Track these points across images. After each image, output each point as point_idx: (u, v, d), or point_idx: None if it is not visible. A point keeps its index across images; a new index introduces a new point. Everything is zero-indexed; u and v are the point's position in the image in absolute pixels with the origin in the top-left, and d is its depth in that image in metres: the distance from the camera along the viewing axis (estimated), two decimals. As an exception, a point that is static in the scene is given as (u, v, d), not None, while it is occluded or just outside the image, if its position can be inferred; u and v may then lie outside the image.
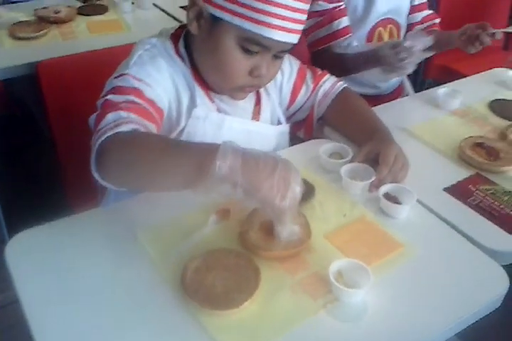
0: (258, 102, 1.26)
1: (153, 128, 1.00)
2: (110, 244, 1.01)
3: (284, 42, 1.04)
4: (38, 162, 2.01)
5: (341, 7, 1.64)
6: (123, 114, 0.95)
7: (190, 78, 1.13)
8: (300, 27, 1.05)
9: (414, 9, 1.77)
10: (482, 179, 1.21)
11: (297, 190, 0.83)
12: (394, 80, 1.82)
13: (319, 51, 1.68)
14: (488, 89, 1.62)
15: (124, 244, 1.01)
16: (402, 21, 1.75)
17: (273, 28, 1.00)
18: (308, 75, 1.33)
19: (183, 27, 1.17)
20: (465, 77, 1.70)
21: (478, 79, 1.65)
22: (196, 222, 1.04)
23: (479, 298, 0.94)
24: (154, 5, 2.25)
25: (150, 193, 1.12)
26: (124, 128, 0.91)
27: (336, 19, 1.64)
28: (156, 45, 1.13)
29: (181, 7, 2.23)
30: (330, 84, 1.34)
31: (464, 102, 1.50)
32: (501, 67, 2.49)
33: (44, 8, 2.11)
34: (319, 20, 1.64)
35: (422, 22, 1.78)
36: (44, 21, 2.03)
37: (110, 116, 0.94)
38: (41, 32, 1.95)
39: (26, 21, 2.03)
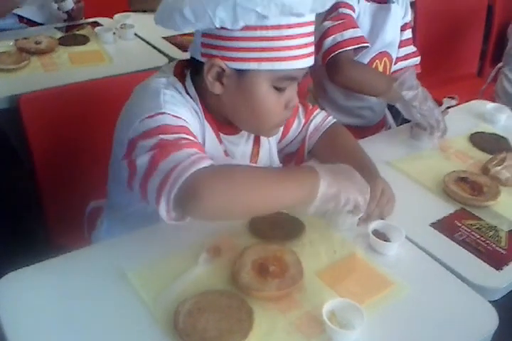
0: (257, 143, 1.26)
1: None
2: (100, 285, 1.00)
3: (307, 67, 1.07)
4: (18, 193, 1.98)
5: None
6: (190, 150, 0.94)
7: (203, 118, 1.12)
8: (314, 46, 1.08)
9: (401, 43, 1.80)
10: (467, 214, 1.23)
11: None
12: (378, 112, 1.85)
13: (339, 55, 1.58)
14: (468, 122, 1.66)
15: (115, 285, 0.99)
16: (394, 55, 1.79)
17: (299, 58, 1.02)
18: (300, 109, 1.35)
19: (181, 64, 1.15)
20: (439, 104, 1.71)
21: (458, 112, 1.69)
22: (187, 261, 1.03)
23: (470, 335, 0.95)
24: (136, 35, 2.26)
25: (141, 231, 1.12)
26: (204, 164, 0.91)
27: (357, 26, 1.61)
28: (169, 85, 1.10)
29: (164, 38, 2.24)
30: (320, 118, 1.36)
31: (445, 136, 1.53)
32: (475, 94, 2.58)
33: (25, 38, 2.09)
34: (341, 23, 1.59)
35: (405, 58, 1.82)
36: (25, 52, 2.02)
37: (179, 154, 0.92)
38: (22, 63, 1.93)
39: (6, 52, 2.01)
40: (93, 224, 1.42)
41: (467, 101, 1.83)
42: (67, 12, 2.32)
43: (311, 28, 1.04)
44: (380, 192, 1.14)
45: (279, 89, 1.06)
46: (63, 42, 2.14)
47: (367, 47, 1.61)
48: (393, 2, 1.70)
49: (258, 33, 0.98)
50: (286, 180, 0.96)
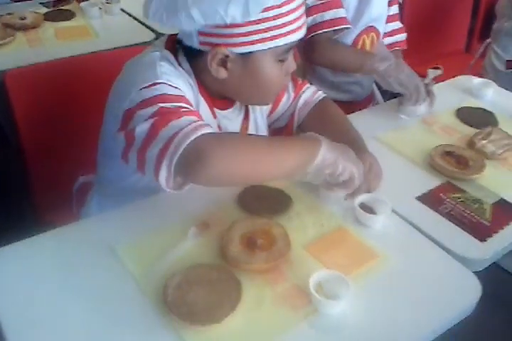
0: (246, 118, 1.27)
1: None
2: (89, 260, 1.01)
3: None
4: (5, 171, 1.97)
5: None
6: (190, 118, 0.94)
7: (197, 92, 1.12)
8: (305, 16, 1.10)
9: (387, 19, 1.80)
10: (452, 187, 1.24)
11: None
12: (366, 87, 1.85)
13: (317, 36, 1.61)
14: (455, 96, 1.66)
15: (104, 259, 1.01)
16: (382, 29, 1.78)
17: (296, 30, 1.05)
18: (290, 84, 1.35)
19: (172, 38, 1.13)
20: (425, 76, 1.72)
21: (444, 87, 1.69)
22: (176, 235, 1.04)
23: (453, 305, 0.97)
24: (122, 10, 2.23)
25: (130, 206, 1.13)
26: (205, 130, 0.91)
27: (340, 6, 1.61)
28: (163, 58, 1.09)
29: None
30: (310, 93, 1.37)
31: (432, 110, 1.54)
32: (463, 70, 2.58)
33: (9, 14, 2.06)
34: (324, 2, 1.59)
35: (391, 34, 1.82)
36: (9, 28, 1.99)
37: (179, 121, 0.92)
38: (7, 39, 1.91)
39: (-10, 28, 1.99)
40: (82, 199, 1.42)
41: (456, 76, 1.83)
42: None
43: (300, 1, 1.05)
44: (368, 166, 1.15)
45: (282, 61, 1.09)
46: (49, 17, 2.12)
47: (348, 28, 1.61)
48: None
49: (260, 15, 0.99)
50: (289, 144, 0.99)
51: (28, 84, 1.58)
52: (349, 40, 1.69)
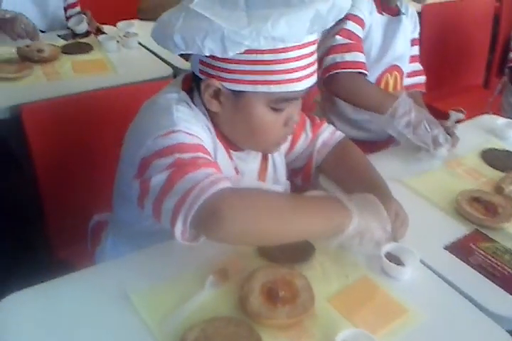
0: (265, 159, 1.24)
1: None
2: (103, 307, 0.97)
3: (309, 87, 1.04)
4: (20, 205, 1.94)
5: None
6: (208, 170, 0.91)
7: (214, 134, 1.09)
8: (316, 65, 1.04)
9: (409, 59, 1.79)
10: (482, 236, 1.19)
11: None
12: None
13: (336, 74, 1.59)
14: (479, 137, 1.62)
15: (118, 308, 0.96)
16: (405, 69, 1.77)
17: (298, 80, 0.99)
18: (308, 123, 1.32)
19: (189, 78, 1.11)
20: (445, 115, 1.68)
21: (467, 127, 1.65)
22: (193, 284, 1.00)
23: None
24: (140, 44, 2.22)
25: (146, 251, 1.09)
26: (223, 185, 0.88)
27: (361, 51, 1.59)
28: (180, 101, 1.06)
29: (168, 47, 2.21)
30: (328, 133, 1.33)
31: (456, 152, 1.50)
32: (481, 105, 2.55)
33: (27, 46, 2.05)
34: (346, 44, 1.57)
35: (411, 75, 1.80)
36: (27, 60, 1.98)
37: (196, 174, 0.89)
38: (24, 72, 1.90)
39: (8, 60, 1.97)
40: (97, 238, 1.38)
41: (474, 113, 1.79)
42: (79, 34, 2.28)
43: (311, 49, 1.01)
44: (394, 214, 1.11)
45: (277, 110, 1.03)
46: (66, 50, 2.11)
47: (365, 74, 1.59)
48: (404, 14, 1.68)
49: (253, 57, 0.95)
50: (314, 213, 0.95)
51: (44, 118, 1.57)
52: (372, 78, 1.67)
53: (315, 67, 1.03)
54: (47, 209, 1.62)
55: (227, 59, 0.96)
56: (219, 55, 0.95)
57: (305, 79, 1.00)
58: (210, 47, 0.93)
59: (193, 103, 1.08)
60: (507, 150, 1.55)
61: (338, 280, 1.04)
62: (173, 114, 1.02)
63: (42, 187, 1.60)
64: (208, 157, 0.98)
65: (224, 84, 0.99)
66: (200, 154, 0.96)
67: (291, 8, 0.92)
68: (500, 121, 1.68)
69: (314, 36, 1.00)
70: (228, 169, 1.13)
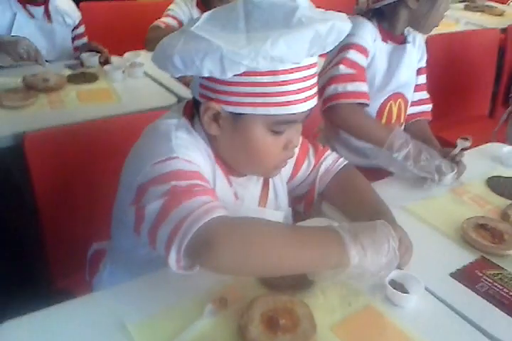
0: (266, 185, 1.22)
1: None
2: (99, 337, 0.94)
3: (309, 110, 1.03)
4: (19, 234, 1.93)
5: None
6: (203, 198, 0.90)
7: (214, 160, 1.08)
8: (317, 88, 1.03)
9: (415, 88, 1.79)
10: (488, 263, 1.16)
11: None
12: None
13: (340, 104, 1.58)
14: (484, 165, 1.60)
15: (115, 337, 0.93)
16: (409, 97, 1.77)
17: (297, 103, 0.98)
18: (311, 150, 1.31)
19: (190, 104, 1.11)
20: (451, 145, 1.67)
21: (473, 155, 1.63)
22: (191, 313, 0.97)
23: None
24: (145, 74, 2.24)
25: (143, 279, 1.06)
26: (217, 213, 0.87)
27: (363, 81, 1.59)
28: (180, 127, 1.06)
29: (173, 77, 2.22)
30: (331, 160, 1.32)
31: (462, 180, 1.48)
32: (487, 135, 2.54)
33: (33, 75, 2.08)
34: (349, 74, 1.57)
35: (418, 103, 1.81)
36: (32, 89, 2.00)
37: (191, 203, 0.89)
38: (29, 101, 1.91)
39: (14, 89, 1.99)
40: (95, 266, 1.36)
41: (480, 143, 1.78)
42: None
43: (311, 71, 1.00)
44: (398, 241, 1.08)
45: (277, 133, 1.02)
46: (72, 79, 2.13)
47: (367, 104, 1.59)
48: (409, 42, 1.69)
49: (252, 79, 0.95)
50: (309, 246, 0.91)
51: (47, 147, 1.56)
52: (376, 105, 1.67)
53: (315, 89, 1.03)
54: (47, 238, 1.60)
55: (227, 81, 0.96)
56: (218, 76, 0.94)
57: (304, 102, 0.99)
58: (208, 68, 0.93)
59: (194, 128, 1.07)
60: (513, 178, 1.53)
61: (341, 308, 1.01)
62: (171, 140, 1.01)
63: (42, 216, 1.58)
64: (205, 184, 0.96)
65: (223, 106, 0.99)
66: (197, 181, 0.95)
67: (291, 29, 0.92)
68: (506, 149, 1.67)
69: (314, 59, 1.00)
70: (227, 195, 1.11)
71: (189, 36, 0.95)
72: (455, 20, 3.48)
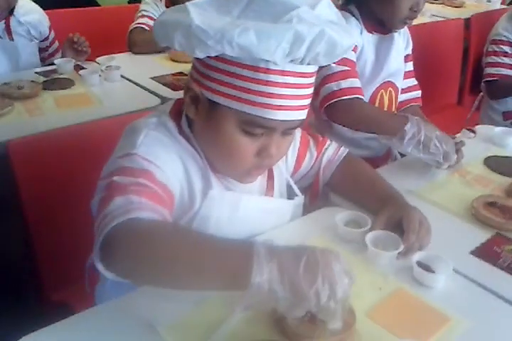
0: (271, 176, 1.19)
1: (166, 214, 0.90)
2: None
3: (291, 121, 0.96)
4: (9, 248, 1.84)
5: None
6: (134, 198, 0.85)
7: (200, 159, 1.04)
8: (307, 101, 0.97)
9: (404, 75, 1.79)
10: (504, 239, 1.17)
11: (345, 283, 0.77)
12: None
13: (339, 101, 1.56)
14: (479, 146, 1.62)
15: (145, 341, 0.88)
16: (399, 84, 1.77)
17: (276, 109, 0.92)
18: (311, 142, 1.29)
19: (180, 102, 1.07)
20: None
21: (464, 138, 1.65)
22: (221, 309, 0.92)
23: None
24: (122, 77, 2.19)
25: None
26: (136, 215, 0.82)
27: (356, 77, 1.57)
28: (159, 125, 1.02)
29: (152, 78, 2.18)
30: (333, 149, 1.31)
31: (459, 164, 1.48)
32: (458, 122, 2.59)
33: (5, 83, 2.00)
34: (342, 71, 1.54)
35: (408, 90, 1.82)
36: (7, 98, 1.92)
37: (119, 200, 0.85)
38: (5, 110, 1.83)
39: (-13, 99, 1.91)
40: (95, 277, 1.30)
41: (452, 130, 1.74)
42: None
43: (300, 80, 0.93)
44: (418, 223, 1.08)
45: (249, 134, 0.96)
46: (47, 86, 2.06)
47: (361, 99, 1.57)
48: (395, 31, 1.69)
49: (232, 69, 0.91)
50: (207, 268, 0.78)
51: (32, 154, 1.50)
52: (367, 94, 1.66)
53: (303, 102, 0.96)
54: (37, 249, 1.54)
55: (210, 65, 0.93)
56: (189, 53, 0.92)
57: (286, 110, 0.93)
58: (179, 41, 0.90)
59: (178, 126, 1.04)
60: (508, 157, 1.55)
61: (372, 293, 0.99)
62: (139, 137, 0.98)
63: (31, 226, 1.52)
64: (152, 186, 0.91)
65: (203, 91, 0.95)
66: (142, 181, 0.90)
67: (275, 24, 0.87)
68: (498, 129, 1.70)
69: (305, 67, 0.94)
70: (224, 191, 1.08)
71: (180, 9, 0.93)
72: (421, 13, 3.52)
